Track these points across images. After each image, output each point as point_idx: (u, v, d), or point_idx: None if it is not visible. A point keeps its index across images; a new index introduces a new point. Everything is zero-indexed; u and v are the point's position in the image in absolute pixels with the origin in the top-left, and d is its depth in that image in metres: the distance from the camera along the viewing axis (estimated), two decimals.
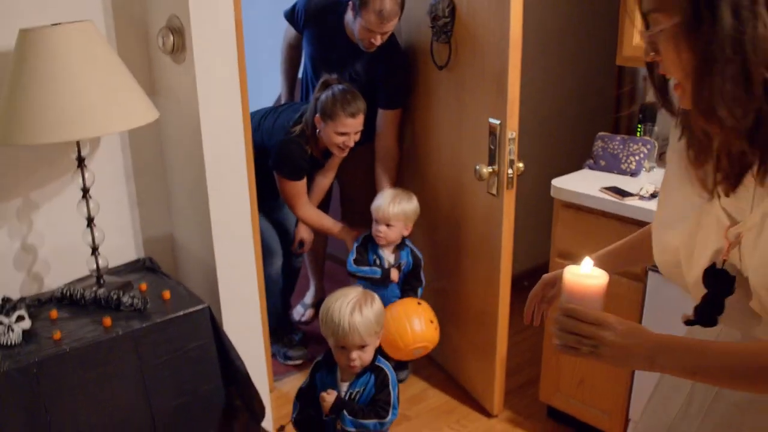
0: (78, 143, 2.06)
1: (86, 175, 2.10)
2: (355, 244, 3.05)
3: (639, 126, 2.91)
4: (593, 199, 2.53)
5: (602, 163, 2.79)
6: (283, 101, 3.59)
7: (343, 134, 2.90)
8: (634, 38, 2.65)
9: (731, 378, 1.13)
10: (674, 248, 1.23)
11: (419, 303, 2.92)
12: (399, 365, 3.06)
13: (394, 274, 2.96)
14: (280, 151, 2.98)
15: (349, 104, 2.86)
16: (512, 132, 2.56)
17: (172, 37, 2.16)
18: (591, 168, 2.82)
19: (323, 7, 3.16)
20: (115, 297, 2.09)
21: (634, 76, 3.22)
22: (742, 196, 1.12)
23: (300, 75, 3.50)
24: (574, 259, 2.53)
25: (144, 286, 2.20)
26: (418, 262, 3.06)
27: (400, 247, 3.04)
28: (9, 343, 1.93)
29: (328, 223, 3.23)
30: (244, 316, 2.44)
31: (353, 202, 3.51)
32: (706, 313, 1.17)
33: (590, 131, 2.96)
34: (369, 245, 3.04)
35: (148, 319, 2.03)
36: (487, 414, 3.03)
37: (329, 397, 2.10)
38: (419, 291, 3.06)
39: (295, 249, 3.36)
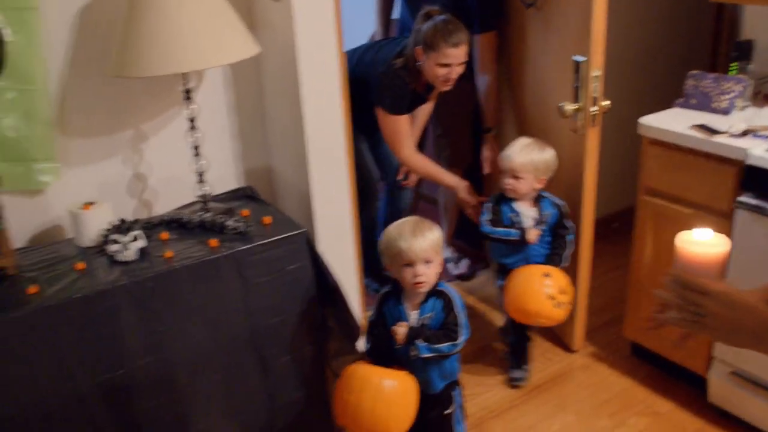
0: (185, 76, 2.20)
1: (193, 106, 2.24)
2: (488, 204, 2.82)
3: (733, 64, 2.87)
4: (682, 136, 2.54)
5: (693, 101, 2.78)
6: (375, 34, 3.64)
7: (445, 66, 2.80)
8: None
9: None
10: None
11: (546, 275, 2.68)
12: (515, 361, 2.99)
13: (532, 234, 2.71)
14: (381, 82, 2.91)
15: (452, 34, 2.75)
16: (597, 70, 2.57)
17: None
18: (681, 107, 2.81)
19: None
20: (220, 221, 2.24)
21: (733, 12, 3.15)
22: None
23: (395, 15, 3.54)
24: (662, 197, 2.58)
25: (246, 212, 2.34)
26: (562, 210, 2.79)
27: (538, 199, 2.79)
28: (126, 259, 2.11)
29: (447, 177, 3.08)
30: (338, 244, 2.57)
31: (447, 142, 3.49)
32: None
33: (682, 70, 2.93)
34: (503, 201, 2.80)
35: (251, 242, 2.17)
36: (568, 349, 3.11)
37: (401, 329, 2.16)
38: (568, 238, 2.79)
39: (399, 181, 3.36)
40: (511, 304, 2.74)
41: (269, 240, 2.19)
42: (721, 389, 2.66)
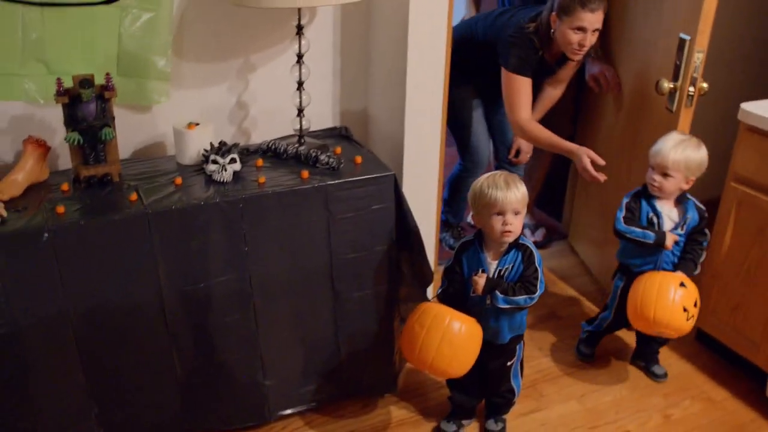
0: (300, 11, 2.29)
1: (302, 42, 2.34)
2: (625, 200, 2.64)
3: None
4: None
5: None
6: (465, 11, 3.66)
7: (579, 30, 2.75)
8: None
9: None
10: None
11: (682, 284, 2.50)
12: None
13: (670, 240, 2.54)
14: (509, 41, 2.89)
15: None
16: (700, 49, 2.56)
17: None
18: None
19: None
20: (313, 155, 2.35)
21: None
22: None
23: None
24: (752, 185, 2.56)
25: (339, 150, 2.44)
26: (704, 216, 2.61)
27: (681, 199, 2.62)
28: (222, 180, 2.23)
29: (565, 143, 2.93)
30: (422, 191, 2.66)
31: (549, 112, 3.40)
32: None
33: None
34: (642, 198, 2.63)
35: (340, 177, 2.27)
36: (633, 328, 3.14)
37: (480, 279, 2.24)
38: (704, 243, 2.64)
39: (511, 158, 3.40)
40: (638, 311, 2.54)
41: (358, 178, 2.28)
42: None
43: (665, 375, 2.88)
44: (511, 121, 2.99)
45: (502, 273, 2.28)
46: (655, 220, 2.60)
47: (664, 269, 2.61)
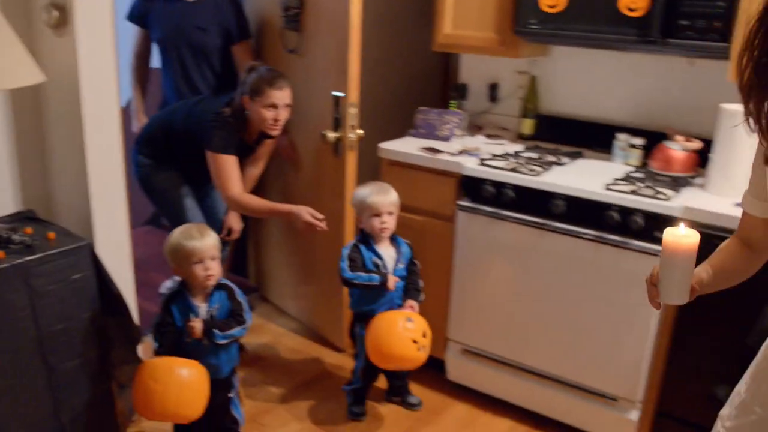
0: None
1: None
2: (345, 251, 2.89)
3: (452, 102, 3.51)
4: (413, 156, 3.10)
5: (422, 131, 3.36)
6: (133, 107, 3.80)
7: (272, 107, 2.97)
8: (446, 28, 3.24)
9: None
10: None
11: (408, 319, 2.79)
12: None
13: (392, 282, 2.82)
14: (210, 125, 3.02)
15: (275, 78, 2.97)
16: (353, 103, 3.08)
17: (55, 12, 2.50)
18: (413, 135, 3.38)
19: None
20: (5, 236, 2.40)
21: (454, 60, 3.80)
22: None
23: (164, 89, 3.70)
24: (403, 209, 3.06)
25: (29, 230, 2.50)
26: (411, 246, 2.99)
27: (393, 238, 2.95)
28: None
29: (282, 207, 3.10)
30: (116, 257, 2.77)
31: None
32: None
33: (417, 105, 3.53)
34: (362, 246, 2.90)
35: (37, 253, 2.34)
36: (338, 349, 3.56)
37: (196, 323, 2.45)
38: (418, 271, 2.98)
39: (223, 237, 3.46)
40: (375, 350, 2.80)
41: (55, 251, 2.37)
42: (456, 367, 3.20)
43: (420, 403, 3.15)
44: (225, 198, 3.11)
45: (212, 313, 2.52)
46: (379, 262, 2.88)
47: (398, 305, 2.90)
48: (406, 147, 3.18)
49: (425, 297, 2.97)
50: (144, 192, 3.35)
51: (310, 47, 3.32)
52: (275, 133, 3.06)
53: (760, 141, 1.42)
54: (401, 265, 2.92)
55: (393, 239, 2.95)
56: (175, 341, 2.51)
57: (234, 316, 2.52)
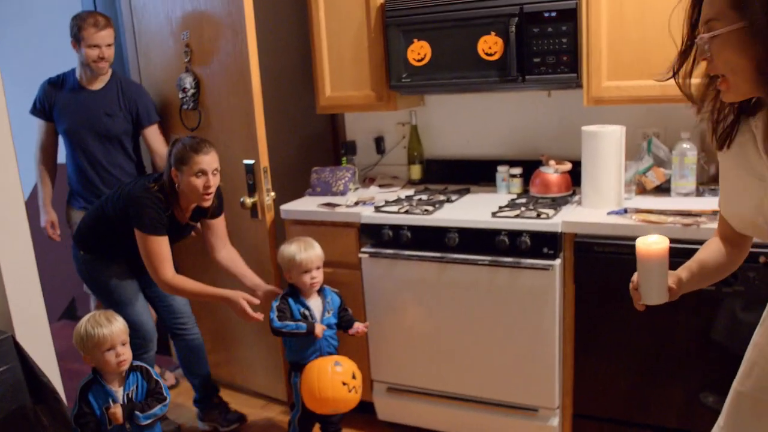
0: None
1: None
2: (274, 304, 2.98)
3: (343, 158, 3.72)
4: (313, 212, 3.28)
5: (318, 189, 3.55)
6: (41, 200, 3.78)
7: (201, 173, 2.91)
8: (326, 91, 3.47)
9: None
10: (749, 216, 1.55)
11: (337, 363, 2.93)
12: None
13: (319, 329, 2.94)
14: (137, 203, 2.94)
15: (200, 144, 2.92)
16: (265, 168, 3.27)
17: None
18: (311, 195, 3.57)
19: (56, 79, 3.61)
20: None
21: (341, 119, 4.03)
22: None
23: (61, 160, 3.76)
24: (327, 264, 3.23)
25: None
26: (339, 294, 3.13)
27: (320, 289, 3.06)
28: None
29: (219, 291, 3.06)
30: (38, 347, 2.78)
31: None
32: None
33: (312, 165, 3.75)
34: (290, 300, 3.01)
35: None
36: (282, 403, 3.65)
37: (116, 409, 2.49)
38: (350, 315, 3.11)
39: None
40: (309, 396, 2.93)
41: None
42: (384, 406, 3.34)
43: None
44: (157, 281, 3.01)
45: (130, 396, 2.57)
46: (307, 313, 2.99)
47: (329, 353, 3.02)
48: (305, 206, 3.37)
49: (344, 344, 3.12)
50: (89, 288, 3.36)
51: (211, 122, 3.50)
52: (208, 202, 3.00)
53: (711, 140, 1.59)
54: (329, 314, 3.04)
55: (320, 290, 3.06)
56: (96, 431, 2.54)
57: (153, 395, 2.58)
